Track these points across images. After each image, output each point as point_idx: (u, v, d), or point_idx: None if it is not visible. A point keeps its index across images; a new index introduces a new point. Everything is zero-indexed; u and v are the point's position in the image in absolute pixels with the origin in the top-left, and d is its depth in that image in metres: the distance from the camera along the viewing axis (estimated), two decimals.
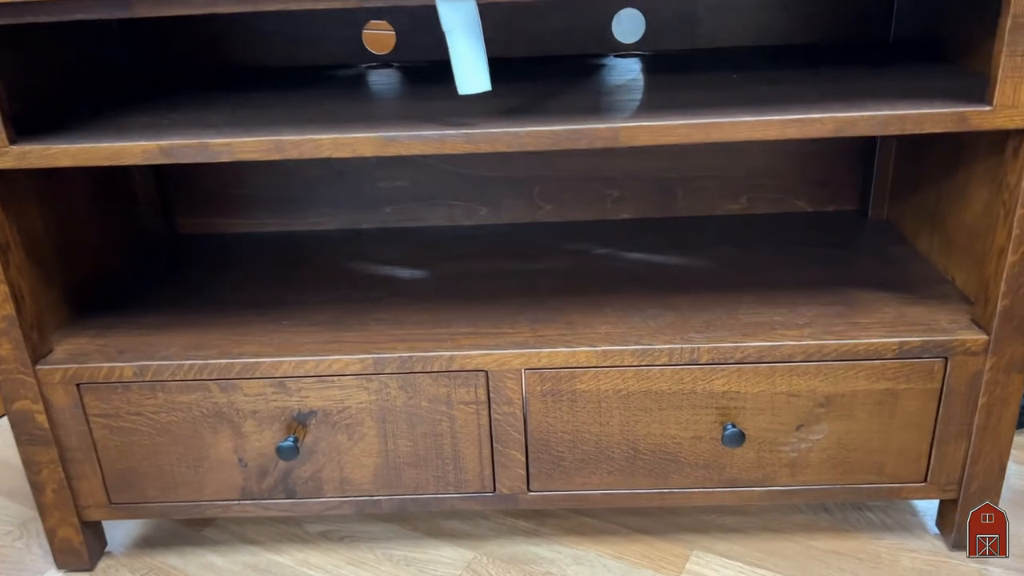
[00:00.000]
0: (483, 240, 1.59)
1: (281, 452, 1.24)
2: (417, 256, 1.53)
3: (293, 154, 1.10)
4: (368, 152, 1.09)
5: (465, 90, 1.08)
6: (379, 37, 1.57)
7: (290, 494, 1.31)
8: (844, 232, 1.57)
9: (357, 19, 1.53)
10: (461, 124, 1.10)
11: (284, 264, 1.53)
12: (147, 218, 1.61)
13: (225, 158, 1.09)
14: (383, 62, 1.55)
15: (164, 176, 1.64)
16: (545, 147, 1.08)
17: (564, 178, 1.64)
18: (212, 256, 1.57)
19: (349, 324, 1.30)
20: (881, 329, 1.22)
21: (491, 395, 1.24)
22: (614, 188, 1.65)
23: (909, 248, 1.49)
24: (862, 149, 1.60)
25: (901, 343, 1.19)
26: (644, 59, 1.48)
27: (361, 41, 1.54)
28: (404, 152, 1.09)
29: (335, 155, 1.09)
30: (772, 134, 1.07)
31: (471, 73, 1.06)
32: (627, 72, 1.39)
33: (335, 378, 1.23)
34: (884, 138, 1.56)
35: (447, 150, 1.09)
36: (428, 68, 1.49)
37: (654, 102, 1.21)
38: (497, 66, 1.48)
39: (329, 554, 1.37)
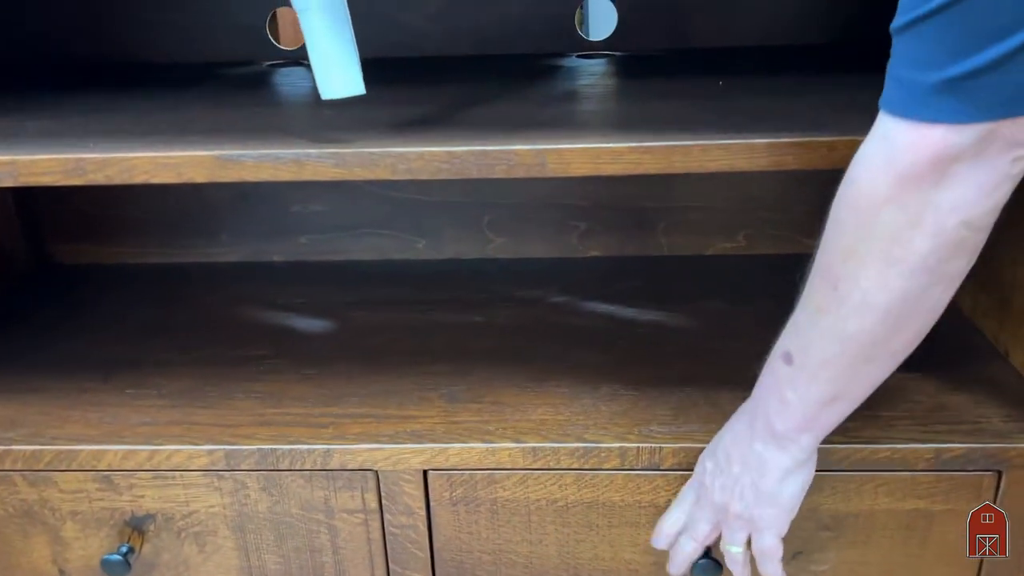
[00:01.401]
0: (416, 280, 1.29)
1: (107, 567, 0.94)
2: (328, 299, 1.23)
3: (98, 178, 0.80)
4: (199, 177, 0.79)
5: (329, 94, 0.77)
6: (290, 29, 1.27)
7: None
8: None
9: (261, 7, 1.23)
10: (330, 141, 0.79)
11: (164, 305, 1.23)
12: (4, 243, 1.31)
13: (8, 182, 0.79)
14: (293, 59, 1.25)
15: (29, 194, 1.34)
16: (443, 175, 0.78)
17: (521, 205, 1.33)
18: (80, 292, 1.28)
19: (209, 397, 1.00)
20: (911, 427, 0.90)
21: (383, 502, 0.93)
22: (581, 219, 1.34)
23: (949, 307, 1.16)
24: None
25: (938, 451, 0.87)
26: (614, 60, 1.17)
27: (266, 33, 1.24)
28: (247, 176, 0.78)
29: (155, 180, 0.79)
30: (760, 163, 0.76)
31: (336, 70, 0.76)
32: (586, 76, 1.08)
33: (176, 474, 0.93)
34: None
35: (306, 175, 0.78)
36: None
37: (605, 117, 0.90)
38: (428, 66, 1.17)
39: None
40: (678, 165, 0.77)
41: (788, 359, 0.74)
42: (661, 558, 0.92)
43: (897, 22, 0.59)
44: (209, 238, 1.36)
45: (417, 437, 0.91)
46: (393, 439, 0.91)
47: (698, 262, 1.33)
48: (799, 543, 0.91)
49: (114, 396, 1.00)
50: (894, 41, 0.60)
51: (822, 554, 0.92)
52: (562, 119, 0.88)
